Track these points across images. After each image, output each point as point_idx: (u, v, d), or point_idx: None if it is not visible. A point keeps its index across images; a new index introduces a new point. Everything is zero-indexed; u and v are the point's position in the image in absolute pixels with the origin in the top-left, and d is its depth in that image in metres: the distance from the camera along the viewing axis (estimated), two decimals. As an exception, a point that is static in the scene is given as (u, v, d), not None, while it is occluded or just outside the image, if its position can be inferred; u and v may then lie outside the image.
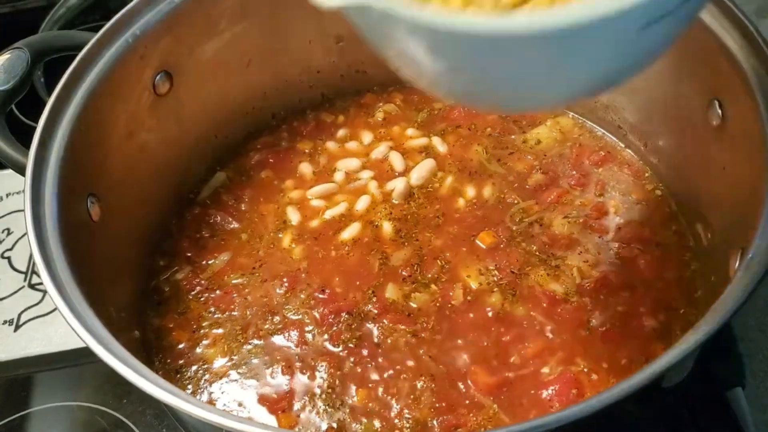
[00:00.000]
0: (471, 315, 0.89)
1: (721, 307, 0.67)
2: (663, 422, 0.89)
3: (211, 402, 0.86)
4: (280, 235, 0.99)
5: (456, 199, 1.00)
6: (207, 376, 0.88)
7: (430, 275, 0.92)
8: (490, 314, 0.88)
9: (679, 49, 0.89)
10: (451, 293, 0.90)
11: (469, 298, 0.89)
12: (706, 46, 0.85)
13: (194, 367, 0.89)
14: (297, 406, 0.84)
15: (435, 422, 0.80)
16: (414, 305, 0.89)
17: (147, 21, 0.92)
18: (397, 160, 1.04)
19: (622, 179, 1.02)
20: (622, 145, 1.05)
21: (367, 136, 1.09)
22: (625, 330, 0.87)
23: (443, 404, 0.81)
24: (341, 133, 1.11)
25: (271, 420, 0.84)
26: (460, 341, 0.86)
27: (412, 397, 0.83)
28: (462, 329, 0.87)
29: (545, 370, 0.83)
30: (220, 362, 0.89)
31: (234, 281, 0.96)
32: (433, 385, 0.83)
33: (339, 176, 1.04)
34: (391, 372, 0.85)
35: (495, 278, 0.91)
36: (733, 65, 0.81)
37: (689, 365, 0.79)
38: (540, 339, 0.86)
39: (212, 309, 0.93)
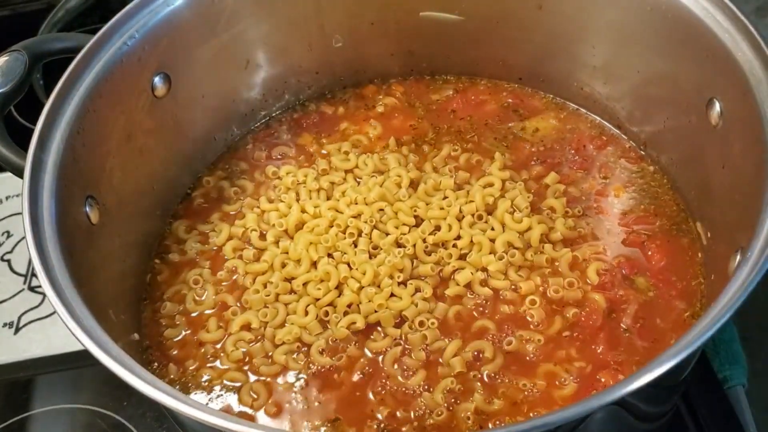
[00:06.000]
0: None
1: (720, 306, 0.66)
2: (663, 422, 0.89)
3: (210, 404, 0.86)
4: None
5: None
6: (207, 377, 0.88)
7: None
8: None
9: (679, 49, 0.90)
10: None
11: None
12: (705, 46, 0.85)
13: (194, 369, 0.89)
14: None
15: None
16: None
17: (145, 23, 0.92)
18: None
19: (622, 165, 1.02)
20: (624, 137, 1.05)
21: (368, 130, 1.09)
22: (657, 321, 0.88)
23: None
24: (342, 126, 1.10)
25: (270, 421, 0.84)
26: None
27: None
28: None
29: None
30: (219, 364, 0.89)
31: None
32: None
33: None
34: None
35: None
36: (732, 65, 0.81)
37: (690, 364, 0.79)
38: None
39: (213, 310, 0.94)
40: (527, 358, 0.85)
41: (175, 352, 0.91)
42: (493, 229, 0.94)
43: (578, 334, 0.87)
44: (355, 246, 0.93)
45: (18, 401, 1.05)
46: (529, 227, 0.94)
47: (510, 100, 1.11)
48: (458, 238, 0.93)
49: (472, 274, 0.91)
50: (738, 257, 0.75)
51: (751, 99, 0.78)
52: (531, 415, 0.82)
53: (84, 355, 0.70)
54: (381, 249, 0.93)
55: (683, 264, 0.92)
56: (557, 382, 0.83)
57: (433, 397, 0.83)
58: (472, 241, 0.93)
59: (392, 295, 0.90)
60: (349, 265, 0.92)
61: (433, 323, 0.88)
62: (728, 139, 0.85)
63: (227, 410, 0.85)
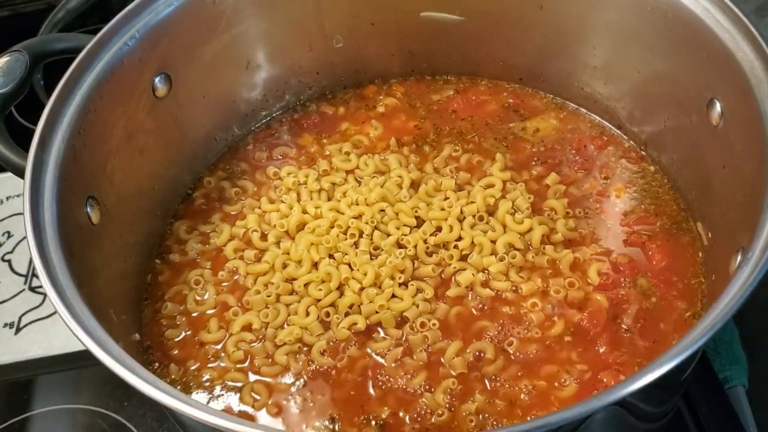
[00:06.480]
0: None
1: (720, 307, 0.66)
2: (664, 422, 0.89)
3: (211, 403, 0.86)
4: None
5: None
6: (208, 377, 0.88)
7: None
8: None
9: (680, 49, 0.90)
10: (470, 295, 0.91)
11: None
12: (706, 46, 0.85)
13: (195, 369, 0.89)
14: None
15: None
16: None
17: (146, 23, 0.92)
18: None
19: (623, 165, 1.02)
20: (625, 137, 1.05)
21: (369, 130, 1.09)
22: (658, 321, 0.88)
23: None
24: (343, 126, 1.11)
25: (271, 421, 0.84)
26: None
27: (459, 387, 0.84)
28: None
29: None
30: (221, 364, 0.89)
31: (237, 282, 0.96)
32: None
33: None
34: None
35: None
36: (733, 65, 0.81)
37: (691, 365, 0.79)
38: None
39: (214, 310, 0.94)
40: (528, 358, 0.85)
41: (176, 353, 0.91)
42: (494, 230, 0.94)
43: (579, 335, 0.87)
44: (356, 247, 0.93)
45: (18, 402, 1.05)
46: (530, 228, 0.94)
47: (511, 101, 1.11)
48: (459, 239, 0.93)
49: (473, 275, 0.91)
50: (739, 257, 0.75)
51: (752, 99, 0.78)
52: (532, 416, 0.82)
53: (85, 356, 0.70)
54: (382, 250, 0.93)
55: (684, 263, 0.92)
56: (558, 383, 0.83)
57: (435, 398, 0.83)
58: (473, 242, 0.93)
59: (393, 296, 0.90)
60: (350, 265, 0.92)
61: (434, 324, 0.88)
62: (729, 139, 0.85)
63: (228, 410, 0.85)
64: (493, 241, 0.93)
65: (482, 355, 0.86)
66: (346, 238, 0.94)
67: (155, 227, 1.01)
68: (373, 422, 0.82)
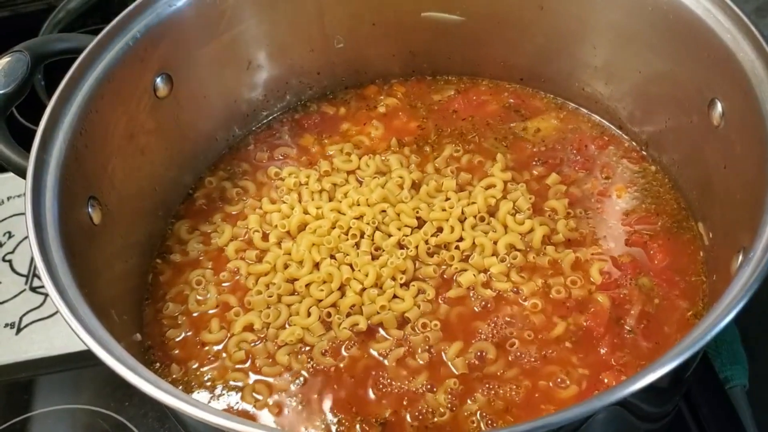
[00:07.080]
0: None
1: (722, 307, 0.66)
2: (665, 422, 0.89)
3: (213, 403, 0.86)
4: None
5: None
6: (209, 377, 0.88)
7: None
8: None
9: (680, 49, 0.90)
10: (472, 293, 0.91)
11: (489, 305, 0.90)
12: (706, 46, 0.85)
13: (196, 369, 0.89)
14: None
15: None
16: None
17: (147, 23, 0.92)
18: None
19: (624, 165, 1.02)
20: (625, 137, 1.05)
21: (369, 130, 1.09)
22: (660, 321, 0.88)
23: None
24: (344, 127, 1.11)
25: (272, 421, 0.84)
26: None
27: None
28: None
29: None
30: (222, 364, 0.89)
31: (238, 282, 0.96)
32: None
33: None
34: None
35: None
36: (734, 65, 0.81)
37: (691, 366, 0.79)
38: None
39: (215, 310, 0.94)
40: (530, 359, 0.85)
41: (177, 353, 0.91)
42: (495, 230, 0.94)
43: (581, 335, 0.87)
44: (358, 247, 0.93)
45: (19, 402, 1.05)
46: (531, 229, 0.94)
47: (511, 101, 1.11)
48: (460, 239, 0.93)
49: (474, 276, 0.91)
50: (740, 257, 0.76)
51: (753, 99, 0.78)
52: (533, 416, 0.82)
53: (85, 356, 0.70)
54: (383, 250, 0.93)
55: (685, 262, 0.93)
56: (560, 383, 0.84)
57: (436, 398, 0.83)
58: (474, 242, 0.93)
59: (395, 296, 0.90)
60: (351, 266, 0.92)
61: (435, 325, 0.88)
62: (730, 140, 0.85)
63: (229, 410, 0.85)
64: (495, 242, 0.93)
65: (484, 355, 0.86)
66: (348, 239, 0.94)
67: (156, 227, 1.01)
68: (375, 422, 0.82)
